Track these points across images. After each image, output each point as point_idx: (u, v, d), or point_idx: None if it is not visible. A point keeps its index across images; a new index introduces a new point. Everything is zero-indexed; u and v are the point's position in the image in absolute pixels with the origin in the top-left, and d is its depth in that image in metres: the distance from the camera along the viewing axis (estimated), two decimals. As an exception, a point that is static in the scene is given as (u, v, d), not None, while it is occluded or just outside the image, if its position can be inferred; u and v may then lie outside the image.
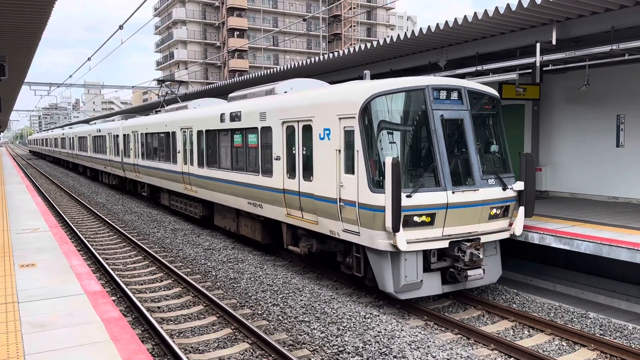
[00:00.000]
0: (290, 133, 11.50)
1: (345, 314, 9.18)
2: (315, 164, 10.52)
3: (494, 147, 10.15)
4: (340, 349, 7.79)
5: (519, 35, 12.11)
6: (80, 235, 16.14)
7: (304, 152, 10.99)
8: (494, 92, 10.39)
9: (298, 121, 11.15)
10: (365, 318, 8.94)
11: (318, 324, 8.77)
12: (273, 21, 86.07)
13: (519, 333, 8.88)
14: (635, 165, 13.74)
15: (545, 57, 11.67)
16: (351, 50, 15.01)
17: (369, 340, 7.99)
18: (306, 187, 10.87)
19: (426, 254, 9.34)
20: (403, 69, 15.79)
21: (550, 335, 8.66)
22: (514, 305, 10.14)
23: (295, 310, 9.52)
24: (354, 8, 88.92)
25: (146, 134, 22.40)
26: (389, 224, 8.65)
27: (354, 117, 9.33)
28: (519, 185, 10.04)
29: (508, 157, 10.36)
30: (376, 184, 8.96)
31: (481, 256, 9.20)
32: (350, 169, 9.53)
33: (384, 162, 8.76)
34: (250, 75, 21.64)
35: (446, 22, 11.80)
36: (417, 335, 8.15)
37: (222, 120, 14.84)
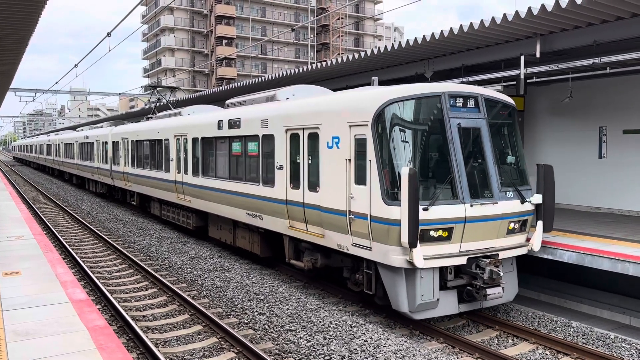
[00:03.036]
0: (294, 141, 10.99)
1: (332, 322, 9.21)
2: (322, 174, 9.99)
3: (510, 158, 9.66)
4: (326, 357, 7.81)
5: (504, 48, 12.31)
6: (65, 243, 16.00)
7: (310, 162, 10.46)
8: (510, 100, 9.98)
9: (303, 129, 10.62)
10: (351, 327, 8.98)
11: (304, 333, 8.79)
12: (261, 30, 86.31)
13: (503, 342, 8.96)
14: (616, 176, 13.98)
15: (530, 70, 11.87)
16: (338, 60, 15.13)
17: (355, 349, 8.02)
18: (312, 198, 10.31)
19: (442, 271, 8.82)
20: (390, 80, 15.94)
21: (534, 344, 8.76)
22: (499, 314, 10.24)
23: (281, 319, 9.53)
24: (342, 18, 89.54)
25: (137, 141, 21.68)
26: (405, 238, 8.11)
27: (367, 125, 8.83)
28: (537, 198, 9.56)
29: (525, 168, 9.92)
30: (390, 196, 8.43)
31: (501, 274, 8.66)
32: (361, 179, 9.00)
33: (399, 173, 8.33)
34: (249, 81, 20.89)
35: (432, 34, 11.97)
36: (402, 344, 8.20)
37: (219, 127, 14.26)
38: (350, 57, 14.70)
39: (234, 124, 13.46)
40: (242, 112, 13.25)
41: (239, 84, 21.16)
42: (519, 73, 11.82)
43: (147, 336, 8.59)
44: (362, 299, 10.75)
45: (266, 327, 9.21)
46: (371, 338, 8.44)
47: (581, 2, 9.18)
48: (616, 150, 14.08)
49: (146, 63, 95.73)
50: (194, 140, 15.96)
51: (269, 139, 11.89)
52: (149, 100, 28.85)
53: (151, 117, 22.76)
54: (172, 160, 17.72)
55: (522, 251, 9.61)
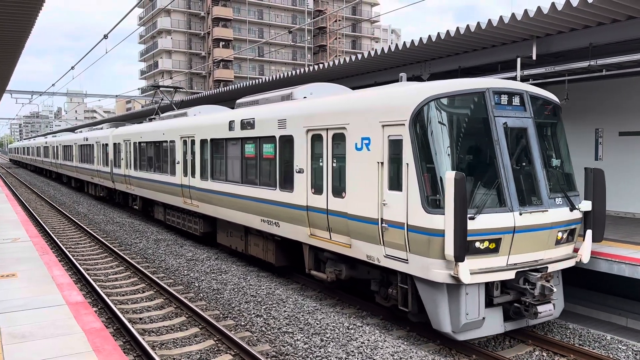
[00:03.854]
0: (316, 143, 10.23)
1: (329, 324, 9.21)
2: (348, 178, 9.21)
3: (556, 161, 8.90)
4: (323, 360, 7.80)
5: (501, 50, 12.35)
6: (61, 246, 15.97)
7: (334, 165, 9.70)
8: (554, 97, 9.33)
9: (327, 129, 9.85)
10: (348, 329, 8.98)
11: (301, 335, 8.78)
12: (258, 32, 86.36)
13: (500, 343, 8.97)
14: (612, 178, 14.03)
15: (526, 72, 11.91)
16: (336, 62, 15.15)
17: (352, 351, 8.02)
18: (337, 204, 9.55)
19: (488, 286, 8.09)
20: (387, 81, 15.98)
21: (531, 345, 8.77)
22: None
23: (278, 321, 9.52)
24: (339, 20, 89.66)
25: (139, 143, 20.88)
26: (450, 251, 7.36)
27: (403, 125, 8.06)
28: (586, 205, 8.82)
29: (572, 172, 9.21)
30: (432, 203, 7.68)
31: (554, 289, 7.93)
32: (396, 184, 8.25)
33: (441, 177, 7.64)
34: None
35: (429, 36, 12.00)
36: (400, 346, 8.21)
37: (230, 128, 13.41)
38: (347, 59, 14.73)
39: (247, 124, 12.63)
40: (256, 112, 12.43)
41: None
42: (516, 75, 11.87)
43: (143, 338, 8.57)
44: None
45: (263, 329, 9.20)
46: (368, 340, 8.44)
47: (577, 5, 9.22)
48: (612, 152, 14.13)
49: (143, 65, 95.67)
50: (203, 142, 15.15)
51: (287, 140, 11.12)
52: (152, 100, 28.33)
53: (154, 118, 21.95)
54: (178, 163, 16.90)
55: (570, 263, 8.79)
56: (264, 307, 10.34)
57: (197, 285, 12.15)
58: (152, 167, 19.38)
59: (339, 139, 9.60)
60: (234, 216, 13.41)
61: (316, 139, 10.24)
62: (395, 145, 8.33)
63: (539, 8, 9.75)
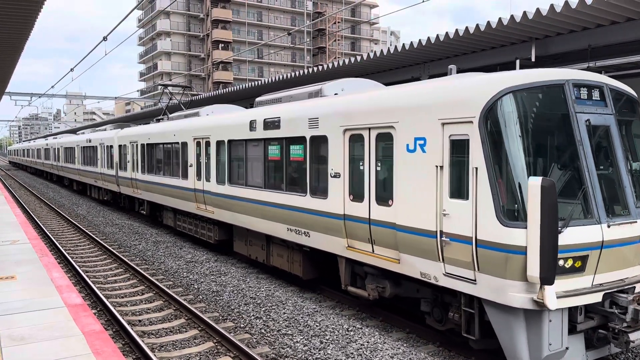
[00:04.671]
0: (355, 144, 9.17)
1: (329, 326, 9.21)
2: (397, 184, 8.14)
3: (636, 164, 7.86)
4: (322, 361, 7.80)
5: (499, 52, 12.37)
6: (61, 248, 15.96)
7: (379, 168, 8.66)
8: (632, 91, 8.29)
9: (370, 128, 8.76)
10: (348, 331, 8.98)
11: (301, 337, 8.78)
12: (258, 34, 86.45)
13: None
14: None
15: (525, 74, 11.91)
16: (335, 64, 15.18)
17: (352, 353, 8.02)
18: (381, 213, 8.51)
19: (571, 311, 6.98)
20: (387, 83, 16.01)
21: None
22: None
23: (278, 323, 9.52)
24: (339, 22, 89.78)
25: (147, 144, 19.76)
26: (534, 272, 6.31)
27: (471, 122, 6.97)
28: None
29: None
30: (510, 215, 6.64)
31: None
32: (460, 191, 7.21)
33: (519, 184, 6.65)
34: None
35: (428, 38, 12.02)
36: (399, 348, 8.21)
37: (252, 128, 12.30)
38: (347, 61, 14.75)
39: (271, 124, 11.55)
40: (282, 110, 11.35)
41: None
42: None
43: (143, 341, 8.56)
44: (360, 305, 10.73)
45: (262, 331, 9.20)
46: (368, 342, 8.44)
47: (576, 6, 9.24)
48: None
49: (142, 67, 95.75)
50: (219, 143, 14.07)
51: (319, 141, 10.09)
52: (159, 100, 27.71)
53: (162, 119, 21.00)
54: (190, 166, 15.82)
55: None
56: (263, 309, 10.33)
57: (196, 287, 12.15)
58: (162, 170, 18.34)
59: (385, 139, 8.51)
60: (255, 224, 12.34)
61: (356, 140, 9.16)
62: (459, 147, 7.25)
63: (537, 10, 9.77)
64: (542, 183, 6.19)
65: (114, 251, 15.66)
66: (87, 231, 19.36)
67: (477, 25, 10.92)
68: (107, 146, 25.42)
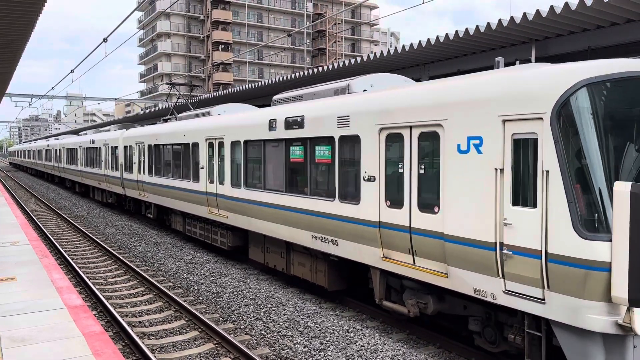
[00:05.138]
0: (394, 144, 8.39)
1: (329, 328, 9.21)
2: (445, 189, 7.38)
3: None
4: (323, 363, 7.80)
5: (499, 53, 12.38)
6: (61, 249, 15.96)
7: (422, 171, 7.87)
8: None
9: (411, 127, 7.97)
10: (348, 332, 8.98)
11: (301, 338, 8.78)
12: (258, 35, 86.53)
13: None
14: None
15: (525, 75, 11.93)
16: (335, 65, 15.19)
17: (352, 355, 8.02)
18: (425, 221, 7.72)
19: None
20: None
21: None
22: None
23: (278, 324, 9.52)
24: (339, 24, 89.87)
25: (155, 145, 18.97)
26: (621, 292, 5.58)
27: (541, 119, 6.19)
28: None
29: None
30: (589, 225, 5.86)
31: None
32: (525, 198, 6.44)
33: (599, 189, 5.89)
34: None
35: (428, 39, 12.04)
36: (399, 349, 8.21)
37: (271, 128, 11.53)
38: (347, 62, 14.77)
39: (293, 123, 10.77)
40: (306, 108, 10.54)
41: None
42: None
43: (143, 342, 8.56)
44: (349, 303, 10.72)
45: (263, 332, 9.20)
46: (368, 343, 8.44)
47: (576, 8, 9.25)
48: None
49: (142, 68, 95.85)
50: (234, 144, 13.30)
51: (350, 141, 9.30)
52: (166, 99, 27.30)
53: (170, 119, 20.14)
54: (202, 168, 15.08)
55: None
56: (263, 310, 10.33)
57: (196, 288, 12.15)
58: (171, 173, 17.56)
59: (430, 138, 7.73)
60: (274, 230, 11.58)
61: (394, 140, 8.36)
62: (524, 147, 6.46)
63: (537, 11, 9.78)
64: (632, 189, 5.47)
65: (114, 252, 15.66)
66: (87, 232, 19.36)
67: (477, 27, 10.93)
68: (112, 147, 24.68)
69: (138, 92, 46.02)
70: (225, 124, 13.87)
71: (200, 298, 11.43)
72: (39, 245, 11.94)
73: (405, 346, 8.46)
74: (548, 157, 6.12)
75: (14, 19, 10.46)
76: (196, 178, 15.46)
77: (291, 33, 18.68)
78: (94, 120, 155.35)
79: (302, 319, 9.74)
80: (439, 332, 9.29)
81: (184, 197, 16.36)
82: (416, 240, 7.90)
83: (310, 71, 16.67)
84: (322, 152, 10.08)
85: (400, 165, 8.24)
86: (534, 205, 6.28)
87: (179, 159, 16.88)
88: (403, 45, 12.74)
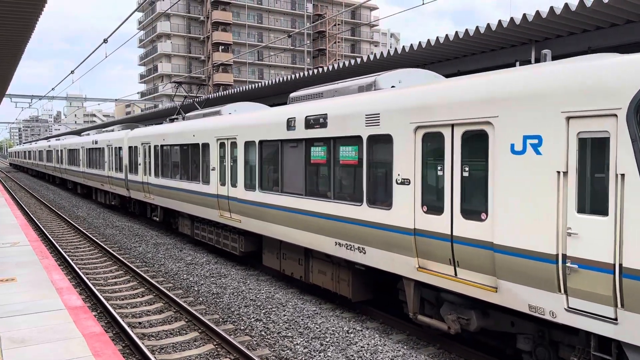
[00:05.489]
0: (432, 144, 7.71)
1: (329, 329, 9.21)
2: (495, 193, 6.71)
3: None
4: (323, 364, 7.80)
5: (499, 54, 12.39)
6: (61, 250, 15.96)
7: (466, 174, 7.20)
8: None
9: (453, 125, 7.27)
10: (348, 333, 8.98)
11: (301, 339, 8.78)
12: (258, 36, 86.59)
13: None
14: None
15: (525, 76, 11.93)
16: (336, 66, 15.21)
17: (352, 356, 8.02)
18: (470, 229, 7.06)
19: None
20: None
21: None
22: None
23: (278, 325, 9.52)
24: (339, 25, 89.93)
25: (162, 146, 18.31)
26: None
27: (614, 116, 5.57)
28: None
29: None
30: None
31: None
32: (595, 205, 5.81)
33: None
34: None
35: (428, 40, 12.04)
36: (399, 350, 8.21)
37: (290, 127, 10.86)
38: (347, 63, 14.78)
39: (315, 122, 10.09)
40: (330, 105, 9.84)
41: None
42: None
43: (143, 343, 8.56)
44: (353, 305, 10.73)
45: (263, 333, 9.20)
46: (368, 344, 8.45)
47: (575, 9, 9.26)
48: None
49: (142, 69, 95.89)
50: (248, 144, 12.63)
51: (380, 141, 8.61)
52: (172, 99, 27.00)
53: (177, 119, 19.44)
54: (213, 169, 14.44)
55: None
56: (263, 311, 10.33)
57: (196, 289, 12.15)
58: (179, 174, 16.90)
59: (476, 137, 7.03)
60: (292, 235, 10.95)
61: (432, 139, 7.69)
62: (593, 147, 5.82)
63: (537, 12, 9.79)
64: None
65: (114, 253, 15.66)
66: (87, 233, 19.36)
67: (477, 28, 10.94)
68: (116, 148, 24.04)
69: (138, 92, 46.05)
70: (238, 123, 13.19)
71: (200, 299, 11.43)
72: (39, 246, 11.95)
73: (405, 347, 8.46)
74: (624, 159, 5.48)
75: (14, 19, 10.46)
76: (206, 180, 14.86)
77: (291, 34, 18.67)
78: (94, 121, 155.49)
79: (302, 319, 9.74)
80: (439, 334, 9.30)
81: (193, 200, 15.76)
82: (458, 250, 7.21)
83: (306, 73, 16.67)
84: (347, 152, 9.40)
85: (439, 167, 7.58)
86: (605, 213, 5.65)
87: (187, 160, 16.27)
88: (403, 46, 12.76)
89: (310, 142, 10.34)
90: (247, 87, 20.88)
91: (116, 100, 44.37)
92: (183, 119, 18.46)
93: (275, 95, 21.72)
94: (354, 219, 9.10)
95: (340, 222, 9.44)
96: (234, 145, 13.37)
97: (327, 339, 8.73)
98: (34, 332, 6.37)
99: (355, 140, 9.17)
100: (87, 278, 13.13)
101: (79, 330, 6.39)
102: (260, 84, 19.88)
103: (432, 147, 7.70)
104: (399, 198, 8.17)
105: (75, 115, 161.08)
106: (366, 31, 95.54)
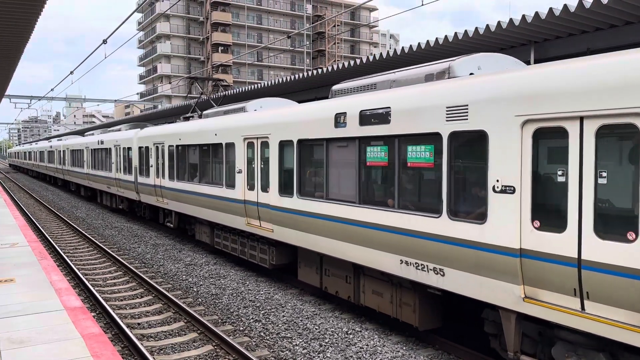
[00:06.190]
0: (548, 142, 6.30)
1: (328, 329, 9.21)
2: None
3: None
4: (322, 365, 7.80)
5: (499, 55, 12.40)
6: (60, 251, 15.95)
7: (604, 180, 5.79)
8: None
9: (582, 118, 5.79)
10: (347, 334, 8.98)
11: (300, 340, 8.78)
12: (257, 37, 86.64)
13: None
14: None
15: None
16: (334, 67, 15.20)
17: (351, 357, 8.02)
18: (610, 252, 5.56)
19: None
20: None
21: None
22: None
23: (277, 326, 9.52)
24: (338, 25, 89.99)
25: (178, 146, 17.00)
26: None
27: None
28: None
29: None
30: None
31: None
32: None
33: None
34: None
35: (427, 41, 12.06)
36: (398, 351, 8.21)
37: (338, 124, 9.46)
38: (346, 64, 14.78)
39: (373, 117, 8.63)
40: (394, 97, 8.32)
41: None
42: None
43: (142, 344, 8.55)
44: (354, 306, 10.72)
45: (262, 334, 9.19)
46: (367, 345, 8.44)
47: (575, 10, 9.27)
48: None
49: (142, 70, 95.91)
50: (283, 144, 11.29)
51: (469, 139, 7.10)
52: (187, 95, 26.37)
53: (192, 117, 18.16)
54: (239, 172, 13.07)
55: None
56: (262, 312, 10.33)
57: (195, 290, 12.15)
58: (197, 177, 15.60)
59: (617, 134, 5.63)
60: (339, 249, 9.53)
61: (549, 136, 6.24)
62: None
63: (536, 13, 9.80)
64: None
65: (113, 254, 15.65)
66: (86, 234, 19.35)
67: (477, 29, 10.95)
68: (124, 148, 22.70)
69: (137, 93, 46.07)
70: (271, 120, 11.75)
71: (200, 300, 11.42)
72: (38, 246, 11.94)
73: (404, 348, 8.46)
74: None
75: (13, 20, 10.47)
76: (231, 184, 13.48)
77: (291, 35, 18.64)
78: (93, 122, 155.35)
79: (301, 320, 9.74)
80: (438, 335, 9.29)
81: (214, 206, 14.39)
82: (590, 278, 5.72)
83: (306, 74, 16.67)
84: (418, 153, 7.89)
85: (560, 172, 6.09)
86: None
87: (208, 162, 14.94)
88: (402, 47, 12.77)
89: (365, 140, 8.89)
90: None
91: (115, 101, 44.38)
92: (199, 117, 17.35)
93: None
94: (429, 234, 7.58)
95: (408, 236, 7.94)
96: (265, 145, 11.99)
97: (326, 340, 8.72)
98: (33, 332, 6.36)
99: (430, 138, 7.64)
100: (86, 279, 13.12)
101: (78, 331, 6.39)
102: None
103: (549, 145, 6.22)
104: (497, 209, 6.65)
105: (75, 116, 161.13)
106: (366, 32, 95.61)
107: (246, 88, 21.08)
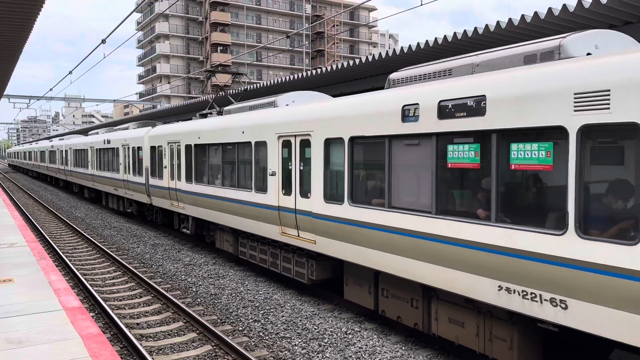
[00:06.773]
0: None
1: (327, 329, 9.20)
2: None
3: None
4: (321, 365, 7.79)
5: (498, 55, 12.38)
6: (59, 250, 15.93)
7: None
8: None
9: None
10: (346, 334, 8.97)
11: (299, 340, 8.77)
12: (256, 37, 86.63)
13: (498, 348, 8.95)
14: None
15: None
16: (333, 67, 15.21)
17: (350, 357, 8.01)
18: None
19: None
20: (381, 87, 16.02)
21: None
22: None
23: (276, 326, 9.51)
24: (337, 26, 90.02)
25: (196, 145, 15.51)
26: None
27: None
28: None
29: None
30: None
31: None
32: None
33: None
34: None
35: (427, 41, 12.06)
36: (397, 351, 8.20)
37: (406, 117, 7.94)
38: (346, 64, 14.78)
39: (458, 108, 7.11)
40: (489, 82, 6.77)
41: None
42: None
43: (141, 344, 8.54)
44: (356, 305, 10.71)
45: (261, 334, 9.18)
46: (366, 345, 8.44)
47: (574, 10, 9.27)
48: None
49: (141, 70, 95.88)
50: (330, 142, 9.80)
51: (610, 135, 5.53)
52: (202, 90, 25.93)
53: (210, 113, 16.68)
54: (272, 174, 11.59)
55: None
56: (261, 312, 10.32)
57: (194, 290, 12.13)
58: (220, 180, 14.10)
59: None
60: (406, 267, 8.04)
61: None
62: None
63: (535, 13, 9.80)
64: None
65: (112, 254, 15.63)
66: (85, 234, 19.33)
67: (475, 29, 10.95)
68: (134, 148, 21.30)
69: (136, 93, 46.07)
70: (312, 115, 10.28)
71: (199, 300, 11.41)
72: (36, 246, 11.92)
73: (403, 348, 8.45)
74: None
75: (12, 20, 10.45)
76: (262, 187, 12.01)
77: (290, 35, 18.62)
78: (92, 122, 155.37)
79: (300, 320, 9.73)
80: (435, 339, 9.30)
81: (241, 212, 12.90)
82: None
83: (307, 73, 16.66)
84: (526, 152, 6.36)
85: None
86: None
87: (233, 163, 13.41)
88: (402, 47, 12.77)
89: (446, 137, 7.33)
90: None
91: (115, 101, 44.35)
92: (219, 113, 15.91)
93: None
94: (548, 256, 5.98)
95: (513, 257, 6.37)
96: (305, 143, 10.56)
97: (326, 340, 8.72)
98: (31, 333, 6.35)
99: (546, 133, 6.11)
100: (85, 279, 13.10)
101: (77, 331, 6.37)
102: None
103: None
104: None
105: (74, 115, 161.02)
106: (365, 32, 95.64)
107: (246, 88, 21.05)
